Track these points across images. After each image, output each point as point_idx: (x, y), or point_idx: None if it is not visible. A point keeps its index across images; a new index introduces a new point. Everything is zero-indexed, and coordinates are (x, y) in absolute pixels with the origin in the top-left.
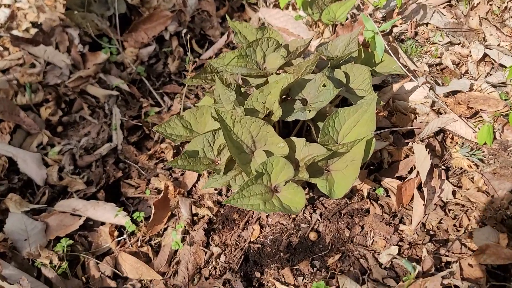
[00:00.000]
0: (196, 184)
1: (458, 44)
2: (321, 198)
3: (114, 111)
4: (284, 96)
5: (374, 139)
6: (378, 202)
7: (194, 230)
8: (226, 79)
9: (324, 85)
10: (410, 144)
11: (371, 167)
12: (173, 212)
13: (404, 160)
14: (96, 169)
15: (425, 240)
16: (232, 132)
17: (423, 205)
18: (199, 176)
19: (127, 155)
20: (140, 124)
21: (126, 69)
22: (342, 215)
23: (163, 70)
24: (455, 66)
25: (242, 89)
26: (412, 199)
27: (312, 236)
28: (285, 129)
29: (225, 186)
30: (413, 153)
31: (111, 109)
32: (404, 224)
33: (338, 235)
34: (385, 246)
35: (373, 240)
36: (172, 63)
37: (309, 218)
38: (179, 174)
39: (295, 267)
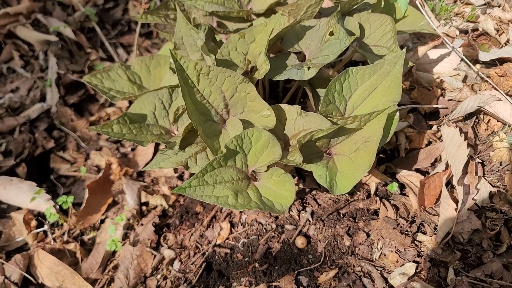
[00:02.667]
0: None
1: (498, 6)
2: (313, 192)
3: (50, 61)
4: (275, 51)
5: (398, 113)
6: (391, 201)
7: (141, 224)
8: (195, 19)
9: (331, 34)
10: (435, 127)
11: (382, 155)
12: (116, 199)
13: (426, 148)
14: (20, 136)
15: (453, 258)
16: (195, 89)
17: (455, 209)
18: (156, 152)
19: (63, 120)
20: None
21: (74, 12)
22: (342, 216)
23: (122, 18)
24: (495, 32)
25: (218, 37)
26: (438, 200)
27: (300, 242)
28: (273, 98)
29: (181, 166)
30: (439, 138)
31: (48, 59)
32: (425, 234)
33: (335, 243)
34: (397, 262)
35: (382, 253)
36: (133, 7)
37: (297, 217)
38: (129, 149)
39: (273, 284)
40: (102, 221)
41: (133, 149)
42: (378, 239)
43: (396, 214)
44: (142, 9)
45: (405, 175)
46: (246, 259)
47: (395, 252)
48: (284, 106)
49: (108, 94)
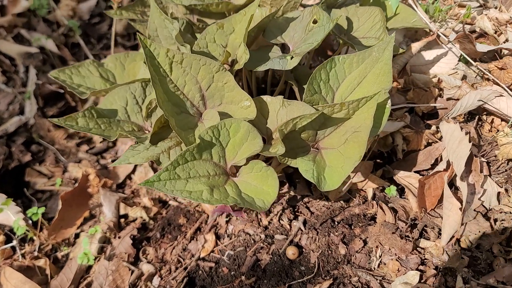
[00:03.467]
0: (131, 175)
1: (495, 8)
2: (305, 199)
3: (30, 74)
4: (259, 46)
5: (389, 101)
6: (389, 205)
7: (119, 237)
8: (173, 14)
9: (315, 22)
10: (434, 127)
11: (378, 160)
12: (93, 213)
13: (425, 149)
14: None
15: (461, 264)
16: (168, 79)
17: (460, 209)
18: (136, 165)
19: (41, 132)
20: (63, 91)
21: (59, 27)
22: (336, 223)
23: (108, 32)
24: (493, 31)
25: (198, 35)
26: (440, 201)
27: (291, 252)
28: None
29: (153, 161)
30: (440, 138)
31: (28, 72)
32: (428, 239)
33: (329, 252)
34: (398, 270)
35: (381, 262)
36: (119, 21)
37: (288, 226)
38: (110, 160)
39: None
40: (77, 236)
41: (114, 161)
42: (377, 246)
43: (394, 218)
44: (115, 3)
45: (403, 176)
46: (232, 272)
47: (396, 260)
48: (266, 97)
49: (77, 90)
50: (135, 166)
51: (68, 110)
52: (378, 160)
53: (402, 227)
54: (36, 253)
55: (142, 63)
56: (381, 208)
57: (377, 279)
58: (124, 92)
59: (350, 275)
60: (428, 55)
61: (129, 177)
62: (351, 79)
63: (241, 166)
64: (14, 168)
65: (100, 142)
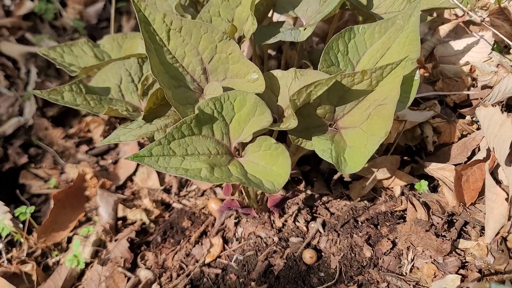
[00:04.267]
0: (133, 177)
1: None
2: (324, 198)
3: (31, 74)
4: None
5: (417, 72)
6: (421, 199)
7: (115, 240)
8: None
9: None
10: (468, 117)
11: (405, 158)
12: (90, 216)
13: (460, 142)
14: None
15: (509, 266)
16: (165, 49)
17: (506, 199)
18: (138, 165)
19: (40, 134)
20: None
21: (65, 32)
22: (360, 223)
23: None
24: None
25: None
26: (481, 194)
27: (308, 256)
28: None
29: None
30: (477, 129)
31: (30, 73)
32: (469, 239)
33: (353, 255)
34: (434, 275)
35: (413, 265)
36: (127, 23)
37: (304, 228)
38: (110, 161)
39: None
40: (70, 241)
41: (114, 162)
42: (408, 248)
43: (428, 215)
44: None
45: (435, 169)
46: (241, 279)
47: (431, 262)
48: (276, 72)
49: (68, 69)
50: (137, 166)
51: (69, 111)
52: (405, 158)
53: (438, 224)
54: (24, 257)
55: (140, 39)
56: (412, 203)
57: (409, 285)
58: (118, 69)
59: (377, 280)
60: (458, 44)
61: (130, 179)
62: (373, 52)
63: (247, 144)
64: (9, 170)
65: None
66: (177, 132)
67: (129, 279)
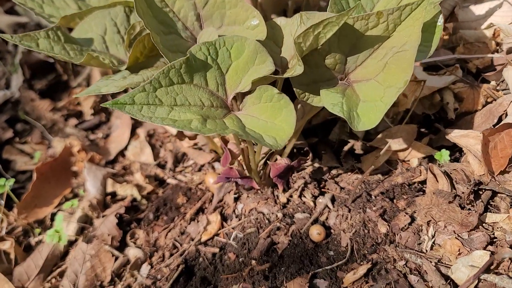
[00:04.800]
0: (124, 152)
1: None
2: (333, 171)
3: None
4: None
5: (441, 16)
6: (443, 168)
7: (104, 215)
8: None
9: None
10: (493, 83)
11: (423, 130)
12: (77, 192)
13: (484, 109)
14: None
15: None
16: None
17: None
18: (130, 139)
19: (27, 107)
20: (53, 61)
21: None
22: (373, 197)
23: None
24: None
25: None
26: (511, 162)
27: (316, 232)
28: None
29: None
30: (504, 92)
31: (18, 46)
32: (498, 211)
33: (366, 231)
34: (459, 252)
35: (435, 242)
36: None
37: (311, 204)
38: (100, 135)
39: None
40: (54, 216)
41: (106, 137)
42: (428, 222)
43: (451, 185)
44: None
45: (458, 136)
46: (240, 259)
47: (455, 238)
48: (280, 20)
49: (48, 20)
50: (129, 140)
51: (59, 84)
52: (423, 130)
53: (462, 194)
54: (2, 234)
55: None
56: (432, 173)
57: (431, 262)
58: (102, 18)
59: (394, 258)
60: (479, 9)
61: (122, 153)
62: None
63: (246, 95)
64: None
65: (92, 115)
66: (164, 77)
67: (116, 258)
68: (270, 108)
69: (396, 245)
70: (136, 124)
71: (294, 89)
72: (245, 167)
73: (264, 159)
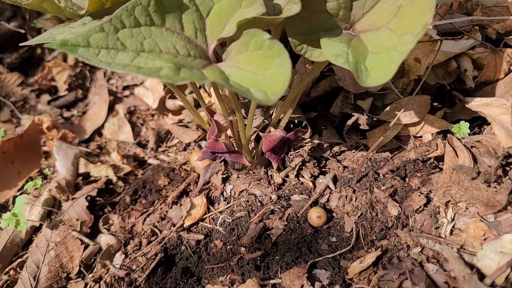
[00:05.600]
0: (101, 130)
1: None
2: (335, 149)
3: None
4: None
5: None
6: (463, 141)
7: (73, 198)
8: None
9: None
10: None
11: (436, 104)
12: (45, 172)
13: (508, 77)
14: None
15: None
16: None
17: None
18: (108, 116)
19: None
20: (24, 31)
21: None
22: (382, 176)
23: None
24: None
25: None
26: None
27: (315, 216)
28: None
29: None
30: None
31: None
32: None
33: (374, 214)
34: (484, 236)
35: (455, 225)
36: None
37: (310, 184)
38: (76, 112)
39: (271, 281)
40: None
41: (82, 114)
42: (447, 203)
43: (473, 160)
44: None
45: (481, 104)
46: (228, 247)
47: (480, 221)
48: None
49: None
50: (106, 117)
51: (32, 59)
52: (435, 103)
53: (488, 169)
54: None
55: None
56: (452, 146)
57: (452, 248)
58: None
59: (408, 244)
60: None
61: (98, 132)
62: None
63: (230, 42)
64: None
65: (66, 90)
66: (128, 16)
67: (86, 246)
68: (259, 58)
69: (409, 230)
70: (115, 101)
71: (290, 39)
72: (235, 142)
73: (256, 133)
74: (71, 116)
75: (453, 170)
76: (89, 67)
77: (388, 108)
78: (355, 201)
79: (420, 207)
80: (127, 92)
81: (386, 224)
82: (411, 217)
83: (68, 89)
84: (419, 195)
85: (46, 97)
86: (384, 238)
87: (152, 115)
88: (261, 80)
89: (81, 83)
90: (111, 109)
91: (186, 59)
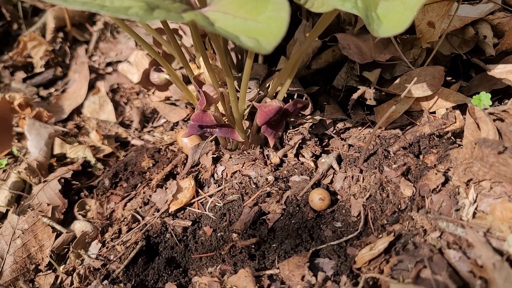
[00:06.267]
0: (81, 110)
1: None
2: (339, 125)
3: None
4: None
5: None
6: (487, 111)
7: (45, 181)
8: None
9: None
10: None
11: (449, 78)
12: (15, 154)
13: None
14: None
15: None
16: None
17: None
18: (88, 93)
19: None
20: None
21: None
22: (392, 154)
23: None
24: None
25: None
26: None
27: (318, 198)
28: None
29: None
30: None
31: None
32: None
33: (384, 195)
34: None
35: (477, 207)
36: None
37: (311, 164)
38: (54, 91)
39: (267, 272)
40: None
41: (62, 91)
42: (468, 182)
43: (498, 132)
44: None
45: (505, 71)
46: (219, 233)
47: (508, 201)
48: None
49: None
50: (86, 95)
51: (8, 35)
52: (448, 78)
53: None
54: None
55: None
56: (473, 117)
57: (477, 232)
58: None
59: (424, 229)
60: None
61: (77, 111)
62: None
63: None
64: None
65: (42, 67)
66: None
67: (59, 234)
68: (251, 1)
69: (426, 212)
70: (97, 78)
71: None
72: (226, 116)
73: (250, 107)
74: (49, 95)
75: (475, 144)
76: (69, 42)
77: (397, 81)
78: (363, 181)
79: (437, 186)
80: (110, 69)
81: (399, 206)
82: (427, 198)
83: (46, 66)
84: (436, 174)
85: (21, 75)
86: (397, 222)
87: (137, 94)
88: (253, 26)
89: (60, 60)
90: (92, 87)
91: (163, 1)
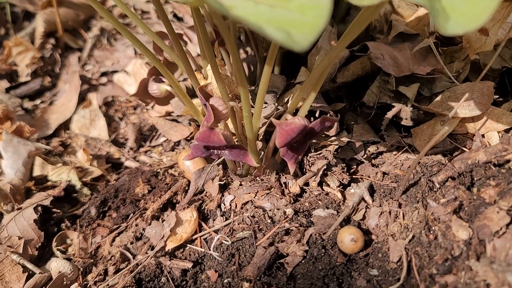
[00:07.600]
0: (69, 125)
1: None
2: (370, 149)
3: None
4: None
5: None
6: None
7: (19, 209)
8: None
9: None
10: None
11: (497, 97)
12: None
13: None
14: None
15: None
16: None
17: None
18: (77, 107)
19: None
20: None
21: None
22: (438, 185)
23: None
24: None
25: None
26: None
27: (349, 239)
28: None
29: None
30: None
31: None
32: None
33: (431, 237)
34: None
35: None
36: None
37: (339, 196)
38: (39, 102)
39: None
40: None
41: (49, 104)
42: None
43: None
44: None
45: None
46: (226, 280)
47: None
48: None
49: None
50: (76, 109)
51: None
52: (496, 97)
53: None
54: None
55: None
56: None
57: None
58: None
59: (487, 283)
60: None
61: (65, 126)
62: None
63: None
64: None
65: (29, 76)
66: None
67: (31, 275)
68: None
69: (490, 262)
70: (89, 89)
71: None
72: (237, 136)
73: (266, 125)
74: (34, 108)
75: None
76: (61, 49)
77: (439, 98)
78: (403, 218)
79: (501, 228)
80: (104, 80)
81: (452, 252)
82: (488, 243)
83: (33, 75)
84: (498, 212)
85: (4, 84)
86: (450, 272)
87: (135, 108)
88: (282, 15)
89: (50, 69)
90: (83, 99)
91: None
